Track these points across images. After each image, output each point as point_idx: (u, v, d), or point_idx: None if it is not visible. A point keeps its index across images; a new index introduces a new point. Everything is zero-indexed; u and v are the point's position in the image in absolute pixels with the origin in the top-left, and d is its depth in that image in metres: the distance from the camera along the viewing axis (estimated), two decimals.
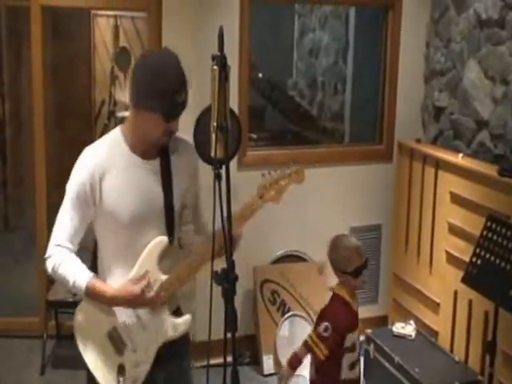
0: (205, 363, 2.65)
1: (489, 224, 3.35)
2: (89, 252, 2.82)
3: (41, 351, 4.30)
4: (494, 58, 4.01)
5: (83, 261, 2.47)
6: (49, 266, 2.42)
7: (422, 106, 4.80)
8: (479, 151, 4.16)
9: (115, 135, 2.45)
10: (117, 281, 2.44)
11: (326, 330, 3.11)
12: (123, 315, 2.46)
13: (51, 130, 4.91)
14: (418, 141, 4.58)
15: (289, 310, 4.44)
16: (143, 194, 2.41)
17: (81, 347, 2.50)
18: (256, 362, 4.41)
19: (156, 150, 2.45)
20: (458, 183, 4.00)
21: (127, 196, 2.39)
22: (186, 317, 2.52)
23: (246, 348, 4.43)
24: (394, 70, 4.71)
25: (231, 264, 2.23)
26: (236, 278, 2.23)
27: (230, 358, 2.22)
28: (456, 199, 4.02)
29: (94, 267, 2.53)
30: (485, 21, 4.07)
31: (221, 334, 2.25)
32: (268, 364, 4.33)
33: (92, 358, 2.49)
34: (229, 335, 2.21)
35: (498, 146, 4.00)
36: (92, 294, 2.40)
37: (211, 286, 2.27)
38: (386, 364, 3.86)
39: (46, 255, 2.43)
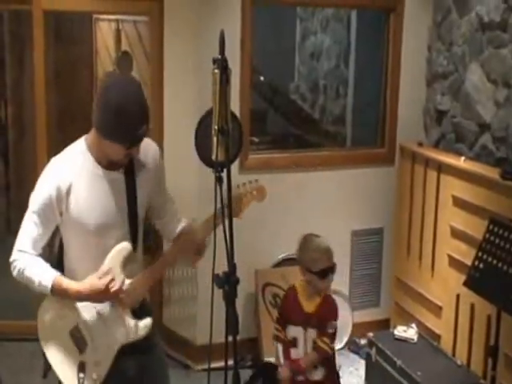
0: (206, 366, 2.65)
1: (491, 227, 3.34)
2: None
3: (43, 355, 4.29)
4: (496, 61, 4.01)
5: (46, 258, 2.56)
6: (14, 270, 2.52)
7: (423, 109, 4.80)
8: (481, 154, 4.15)
9: (80, 147, 2.52)
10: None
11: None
12: (86, 314, 2.54)
13: (53, 134, 4.90)
14: (420, 144, 4.58)
15: None
16: (108, 203, 2.49)
17: (43, 345, 2.60)
18: (257, 365, 4.40)
19: (120, 165, 2.52)
20: (461, 186, 3.99)
21: (93, 205, 2.47)
22: (147, 320, 2.59)
23: (247, 351, 4.43)
24: (395, 73, 4.71)
25: (232, 267, 2.24)
26: (237, 281, 2.24)
27: (231, 362, 2.23)
28: (458, 202, 4.01)
29: (58, 266, 2.58)
30: (487, 24, 4.07)
31: (222, 338, 2.25)
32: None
33: (54, 356, 2.58)
34: (230, 338, 2.22)
35: (500, 149, 4.00)
36: (58, 291, 2.46)
37: (212, 289, 2.27)
38: (388, 367, 3.85)
39: (11, 259, 2.52)
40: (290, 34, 7.19)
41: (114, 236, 2.51)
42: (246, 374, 4.28)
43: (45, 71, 4.41)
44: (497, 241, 3.27)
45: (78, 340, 2.55)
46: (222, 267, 2.33)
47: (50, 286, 2.45)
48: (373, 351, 4.01)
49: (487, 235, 3.35)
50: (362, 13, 5.67)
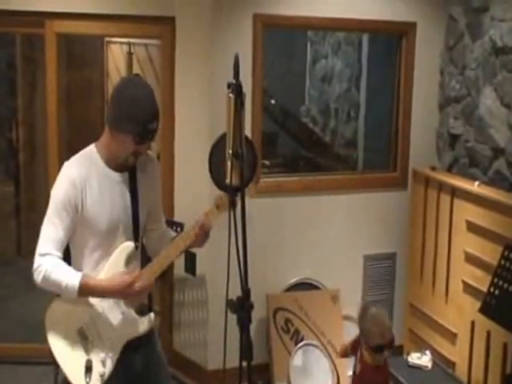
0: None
1: (506, 253, 3.30)
2: None
3: (53, 378, 4.26)
4: (510, 85, 3.98)
5: None
6: (39, 275, 2.53)
7: (436, 133, 4.77)
8: (496, 179, 4.11)
9: (90, 151, 2.65)
10: None
11: None
12: (92, 312, 2.63)
13: (64, 156, 4.90)
14: (433, 168, 4.54)
15: (302, 339, 4.39)
16: (117, 203, 2.62)
17: (52, 345, 2.64)
18: None
19: (126, 165, 2.65)
20: (475, 211, 3.95)
21: (104, 205, 2.59)
22: (150, 315, 2.70)
23: (258, 377, 4.37)
24: (407, 97, 4.69)
25: (246, 292, 2.21)
26: (251, 307, 2.22)
27: None
28: (472, 228, 3.97)
29: None
30: (500, 48, 4.05)
31: (234, 363, 2.21)
32: None
33: (62, 355, 2.63)
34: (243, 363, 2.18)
35: None
36: (85, 291, 2.52)
37: (226, 314, 2.25)
38: None
39: (34, 267, 2.54)
40: (300, 58, 7.21)
41: (121, 235, 2.63)
42: None
43: (57, 94, 4.42)
44: None
45: (84, 338, 2.62)
46: (234, 292, 2.30)
47: (77, 286, 2.49)
48: None
49: (502, 261, 3.30)
50: (373, 36, 5.67)
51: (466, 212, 4.02)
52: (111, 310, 2.62)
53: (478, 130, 4.29)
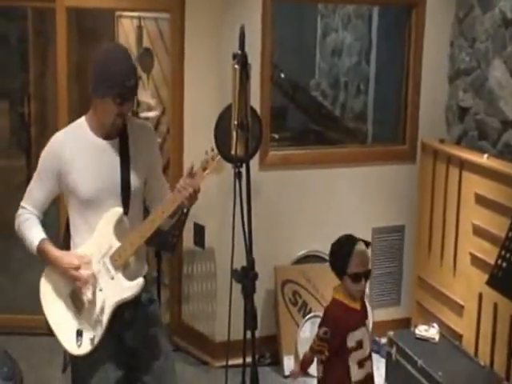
0: (225, 363, 2.65)
1: None
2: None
3: (63, 349, 4.31)
4: None
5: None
6: (15, 224, 2.74)
7: (446, 106, 4.75)
8: (505, 152, 4.10)
9: (80, 122, 2.73)
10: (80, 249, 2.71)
11: (325, 333, 3.10)
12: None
13: None
14: (442, 141, 4.53)
15: (310, 311, 4.42)
16: (104, 170, 2.66)
17: (45, 311, 2.76)
18: (276, 363, 4.39)
19: (116, 132, 2.69)
20: (483, 184, 3.94)
21: (89, 173, 2.64)
22: (139, 279, 2.67)
23: (266, 349, 4.41)
24: (417, 70, 4.66)
25: (251, 262, 2.23)
26: (256, 276, 2.24)
27: (250, 359, 2.22)
28: (481, 200, 3.96)
29: (65, 241, 2.80)
30: (510, 20, 4.01)
31: (241, 335, 2.23)
32: (288, 365, 4.30)
33: (54, 320, 2.74)
34: (249, 334, 2.21)
35: None
36: (41, 254, 2.68)
37: (231, 284, 2.27)
38: (409, 367, 3.82)
39: (16, 214, 2.75)
40: (311, 31, 7.16)
41: (108, 204, 2.66)
42: (265, 371, 4.29)
43: (67, 68, 4.44)
44: None
45: (76, 301, 2.69)
46: (242, 264, 2.32)
47: (35, 246, 2.66)
48: (393, 350, 3.98)
49: (510, 234, 3.30)
50: (383, 9, 5.63)
51: (475, 185, 4.02)
52: (100, 273, 2.66)
53: (488, 102, 4.26)
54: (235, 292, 2.32)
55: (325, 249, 4.56)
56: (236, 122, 2.26)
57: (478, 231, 3.98)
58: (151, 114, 5.90)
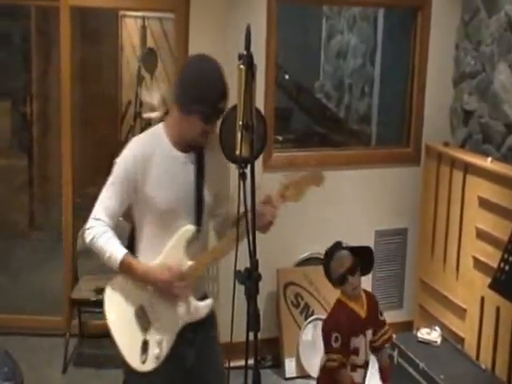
0: (226, 365, 2.64)
1: None
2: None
3: (63, 350, 4.31)
4: None
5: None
6: (88, 236, 2.58)
7: (450, 109, 4.74)
8: (509, 155, 4.09)
9: (158, 129, 2.64)
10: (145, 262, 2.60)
11: (336, 340, 3.11)
12: (151, 294, 2.61)
13: (78, 130, 4.93)
14: (446, 144, 4.52)
15: (312, 314, 4.41)
16: (179, 183, 2.58)
17: (109, 322, 2.64)
18: (277, 365, 4.38)
19: (193, 147, 2.61)
20: (487, 188, 3.93)
21: (166, 185, 2.56)
22: (208, 301, 2.67)
23: (267, 351, 4.40)
24: (422, 73, 4.66)
25: (254, 263, 2.22)
26: (259, 277, 2.22)
27: (252, 361, 2.21)
28: (484, 204, 3.95)
29: (129, 250, 2.65)
30: None
31: (243, 337, 2.22)
32: (290, 367, 4.30)
33: (118, 331, 2.63)
34: (251, 335, 2.19)
35: None
36: (126, 268, 2.56)
37: (234, 285, 2.25)
38: (410, 370, 3.81)
39: (87, 226, 2.59)
40: (315, 33, 7.16)
41: (181, 218, 2.58)
42: (265, 373, 4.27)
43: (71, 67, 4.43)
44: None
45: (142, 320, 2.61)
46: (245, 265, 2.31)
47: (119, 260, 2.53)
48: (395, 353, 3.97)
49: None
50: (389, 12, 5.62)
51: (478, 188, 4.01)
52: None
53: (492, 106, 4.25)
54: (238, 294, 2.31)
55: None
56: (241, 123, 2.24)
57: (482, 235, 3.97)
58: (154, 115, 5.90)
